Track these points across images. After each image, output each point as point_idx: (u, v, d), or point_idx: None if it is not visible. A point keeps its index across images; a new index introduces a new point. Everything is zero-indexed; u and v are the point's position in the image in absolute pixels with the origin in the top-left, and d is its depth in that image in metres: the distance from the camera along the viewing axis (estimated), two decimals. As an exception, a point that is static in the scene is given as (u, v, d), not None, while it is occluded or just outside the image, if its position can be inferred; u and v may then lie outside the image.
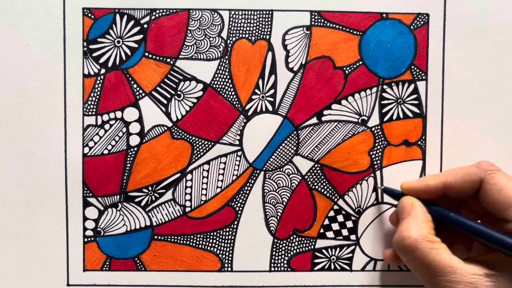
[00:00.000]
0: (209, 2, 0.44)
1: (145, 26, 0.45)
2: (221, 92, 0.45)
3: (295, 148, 0.45)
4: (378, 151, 0.45)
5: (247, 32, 0.45)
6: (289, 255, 0.46)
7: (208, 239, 0.46)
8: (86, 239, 0.45)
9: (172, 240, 0.46)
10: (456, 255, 0.38)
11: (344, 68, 0.45)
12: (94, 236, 0.45)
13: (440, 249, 0.38)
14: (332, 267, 0.46)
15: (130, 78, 0.45)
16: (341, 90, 0.45)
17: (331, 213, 0.46)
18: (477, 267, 0.37)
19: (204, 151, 0.45)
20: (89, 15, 0.44)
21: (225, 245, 0.46)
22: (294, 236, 0.46)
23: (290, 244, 0.46)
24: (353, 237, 0.46)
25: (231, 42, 0.45)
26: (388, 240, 0.46)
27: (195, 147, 0.45)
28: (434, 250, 0.38)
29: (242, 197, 0.45)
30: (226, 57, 0.45)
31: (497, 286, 0.36)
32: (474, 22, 0.45)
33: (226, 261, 0.46)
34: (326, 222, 0.46)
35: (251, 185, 0.45)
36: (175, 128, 0.45)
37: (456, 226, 0.39)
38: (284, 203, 0.46)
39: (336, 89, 0.45)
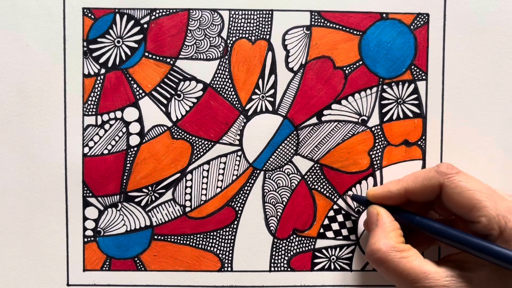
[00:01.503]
0: (209, 2, 0.44)
1: (145, 26, 0.45)
2: (221, 92, 0.45)
3: (295, 148, 0.45)
4: (378, 151, 0.45)
5: (247, 32, 0.45)
6: (289, 255, 0.46)
7: (208, 239, 0.46)
8: (86, 239, 0.45)
9: (172, 240, 0.46)
10: (441, 252, 0.38)
11: (344, 68, 0.45)
12: (94, 236, 0.45)
13: (410, 256, 0.38)
14: (332, 267, 0.46)
15: (130, 78, 0.45)
16: (341, 90, 0.45)
17: (331, 213, 0.46)
18: (450, 269, 0.37)
19: (204, 151, 0.45)
20: (89, 15, 0.44)
21: (225, 245, 0.46)
22: (294, 236, 0.46)
23: (290, 244, 0.46)
24: (353, 237, 0.46)
25: (231, 42, 0.45)
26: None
27: (195, 147, 0.45)
28: (404, 259, 0.38)
29: (242, 197, 0.45)
30: (226, 57, 0.45)
31: (471, 287, 0.36)
32: (474, 22, 0.45)
33: (226, 261, 0.46)
34: (326, 222, 0.46)
35: (251, 185, 0.45)
36: (175, 128, 0.45)
37: (423, 230, 0.39)
38: (284, 203, 0.46)
39: (336, 89, 0.45)
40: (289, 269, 0.46)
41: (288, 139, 0.45)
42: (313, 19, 0.45)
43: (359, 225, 0.46)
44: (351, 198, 0.45)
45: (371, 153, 0.45)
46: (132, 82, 0.45)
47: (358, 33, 0.45)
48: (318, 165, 0.45)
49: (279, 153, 0.45)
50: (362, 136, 0.45)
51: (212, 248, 0.46)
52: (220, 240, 0.46)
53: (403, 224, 0.41)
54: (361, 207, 0.45)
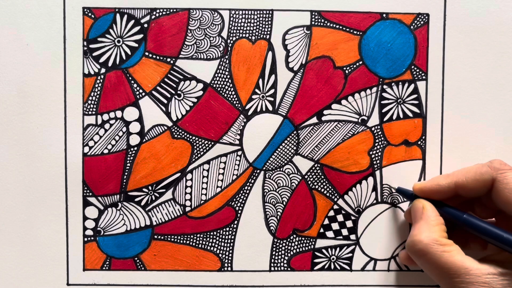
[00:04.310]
0: (209, 2, 0.45)
1: (145, 25, 0.45)
2: (221, 91, 0.45)
3: (295, 148, 0.45)
4: (378, 151, 0.45)
5: (247, 31, 0.45)
6: (289, 254, 0.46)
7: (208, 239, 0.46)
8: (86, 239, 0.45)
9: (172, 239, 0.46)
10: (472, 253, 0.38)
11: (344, 68, 0.45)
12: (94, 235, 0.45)
13: (452, 251, 0.38)
14: (332, 267, 0.46)
15: (130, 78, 0.45)
16: (341, 90, 0.45)
17: (331, 213, 0.46)
18: (492, 266, 0.37)
19: (204, 150, 0.45)
20: (89, 14, 0.44)
21: (225, 244, 0.46)
22: (294, 235, 0.46)
23: (290, 244, 0.46)
24: (353, 236, 0.46)
25: (231, 41, 0.45)
26: (388, 239, 0.46)
27: (195, 147, 0.45)
28: (446, 253, 0.38)
29: (242, 197, 0.45)
30: (226, 56, 0.45)
31: None
32: (474, 22, 0.45)
33: (226, 260, 0.46)
34: (326, 221, 0.46)
35: (251, 184, 0.45)
36: (175, 128, 0.45)
37: (470, 228, 0.39)
38: (284, 203, 0.46)
39: (336, 89, 0.45)
40: (289, 269, 0.46)
41: (288, 139, 0.45)
42: (313, 19, 0.45)
43: (359, 225, 0.46)
44: (396, 191, 0.45)
45: (371, 153, 0.45)
46: (132, 81, 0.45)
47: (358, 33, 0.45)
48: (318, 165, 0.45)
49: (279, 153, 0.45)
50: (362, 136, 0.45)
51: (212, 248, 0.46)
52: (220, 239, 0.46)
53: (447, 220, 0.41)
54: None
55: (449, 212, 0.41)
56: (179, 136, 0.45)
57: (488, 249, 0.43)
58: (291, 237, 0.46)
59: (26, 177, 0.45)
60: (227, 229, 0.46)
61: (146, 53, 0.45)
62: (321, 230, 0.46)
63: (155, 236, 0.46)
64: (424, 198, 0.42)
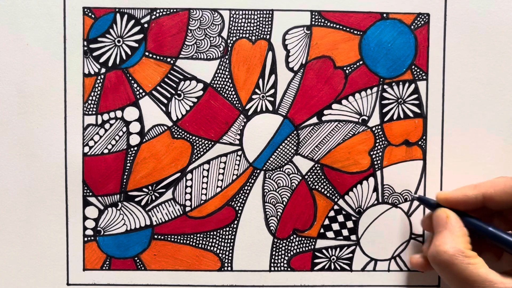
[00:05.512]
0: (209, 2, 0.44)
1: (146, 25, 0.45)
2: (221, 91, 0.45)
3: (295, 148, 0.45)
4: (378, 151, 0.45)
5: (248, 31, 0.45)
6: (289, 255, 0.46)
7: (208, 239, 0.45)
8: (86, 239, 0.45)
9: (172, 239, 0.46)
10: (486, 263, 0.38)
11: (345, 68, 0.45)
12: (94, 235, 0.45)
13: (477, 263, 0.38)
14: (332, 267, 0.46)
15: (130, 78, 0.45)
16: (341, 90, 0.45)
17: (331, 213, 0.46)
18: None
19: (204, 150, 0.45)
20: (90, 14, 0.44)
21: (225, 244, 0.46)
22: (294, 236, 0.46)
23: (290, 244, 0.46)
24: (353, 237, 0.46)
25: (232, 41, 0.45)
26: (389, 240, 0.46)
27: (195, 147, 0.45)
28: (471, 265, 0.38)
29: (242, 197, 0.45)
30: (227, 56, 0.45)
31: None
32: (475, 22, 0.45)
33: (226, 260, 0.46)
34: (326, 222, 0.46)
35: (251, 184, 0.45)
36: (175, 128, 0.45)
37: (496, 241, 0.39)
38: (284, 203, 0.45)
39: (336, 89, 0.45)
40: (289, 269, 0.46)
41: (288, 139, 0.45)
42: (313, 19, 0.45)
43: (360, 225, 0.46)
44: (418, 200, 0.44)
45: (371, 153, 0.45)
46: (133, 81, 0.45)
47: (358, 33, 0.45)
48: (319, 165, 0.45)
49: (279, 153, 0.45)
50: (363, 136, 0.45)
51: (212, 248, 0.46)
52: (220, 239, 0.46)
53: (470, 231, 0.40)
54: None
55: (474, 224, 0.40)
56: (179, 136, 0.45)
57: (502, 260, 0.43)
58: (291, 237, 0.46)
59: (26, 177, 0.45)
60: (227, 229, 0.45)
61: (146, 53, 0.45)
62: (321, 231, 0.46)
63: (155, 236, 0.45)
64: (447, 207, 0.41)
